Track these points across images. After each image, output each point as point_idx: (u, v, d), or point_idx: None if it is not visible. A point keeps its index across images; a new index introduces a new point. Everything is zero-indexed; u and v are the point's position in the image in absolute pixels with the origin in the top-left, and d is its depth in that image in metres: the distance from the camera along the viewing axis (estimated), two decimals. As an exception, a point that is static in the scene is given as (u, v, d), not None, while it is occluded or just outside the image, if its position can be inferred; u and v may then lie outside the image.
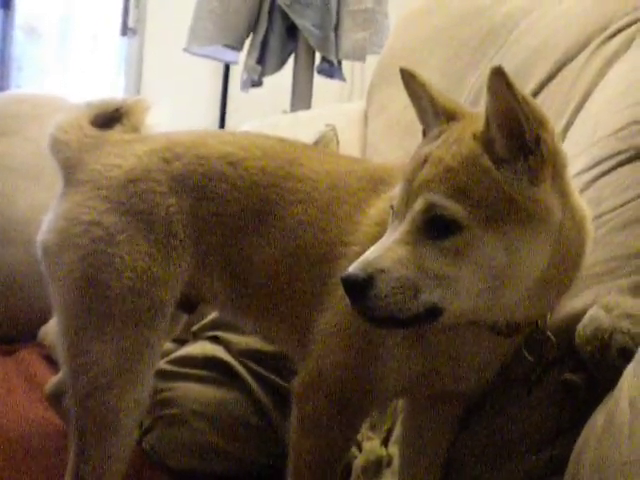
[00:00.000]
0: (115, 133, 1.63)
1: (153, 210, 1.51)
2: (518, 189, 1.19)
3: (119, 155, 1.56)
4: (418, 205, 1.20)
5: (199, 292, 1.59)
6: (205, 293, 1.59)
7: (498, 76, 1.17)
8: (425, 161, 1.24)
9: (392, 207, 1.27)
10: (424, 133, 1.36)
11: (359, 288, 1.17)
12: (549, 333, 1.33)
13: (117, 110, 1.66)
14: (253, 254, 1.52)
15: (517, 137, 1.20)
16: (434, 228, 1.19)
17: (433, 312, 1.19)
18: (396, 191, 1.27)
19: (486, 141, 1.21)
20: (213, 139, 1.62)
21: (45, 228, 1.56)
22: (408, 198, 1.22)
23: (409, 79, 1.34)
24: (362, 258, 1.19)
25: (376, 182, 1.51)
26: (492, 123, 1.21)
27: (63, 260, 1.50)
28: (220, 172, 1.54)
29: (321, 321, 1.44)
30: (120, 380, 1.46)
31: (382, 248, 1.20)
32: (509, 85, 1.16)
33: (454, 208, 1.18)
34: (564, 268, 1.27)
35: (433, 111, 1.32)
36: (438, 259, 1.18)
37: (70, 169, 1.58)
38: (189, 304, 1.63)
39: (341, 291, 1.37)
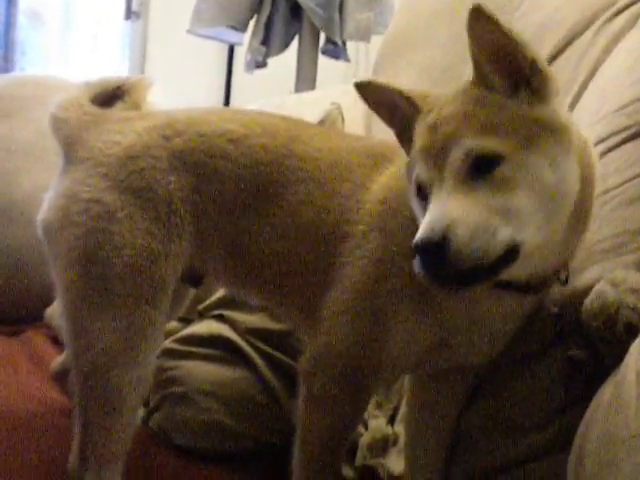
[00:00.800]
0: (115, 111, 1.63)
1: (153, 187, 1.50)
2: (536, 109, 1.21)
3: (119, 132, 1.55)
4: (454, 157, 1.19)
5: (202, 268, 1.59)
6: (208, 269, 1.59)
7: (479, 14, 1.17)
8: (434, 127, 1.23)
9: (419, 187, 1.25)
10: (399, 136, 1.37)
11: (437, 249, 1.13)
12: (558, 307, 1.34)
13: (118, 88, 1.65)
14: (255, 232, 1.51)
15: (511, 69, 1.21)
16: (479, 170, 1.17)
17: (511, 252, 1.16)
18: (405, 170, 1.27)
19: (485, 85, 1.23)
20: (214, 116, 1.61)
21: (45, 207, 1.55)
22: (436, 161, 1.21)
23: (366, 87, 1.35)
24: (426, 222, 1.16)
25: (377, 158, 1.50)
26: (483, 66, 1.23)
27: (63, 238, 1.49)
28: (221, 149, 1.53)
29: (328, 299, 1.43)
30: (122, 358, 1.46)
31: (440, 206, 1.17)
32: (493, 20, 1.17)
33: (490, 143, 1.18)
34: (588, 193, 1.27)
35: (407, 100, 1.32)
36: (495, 195, 1.16)
37: (70, 147, 1.57)
38: (194, 278, 1.63)
39: (349, 270, 1.38)
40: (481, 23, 1.18)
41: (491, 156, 1.17)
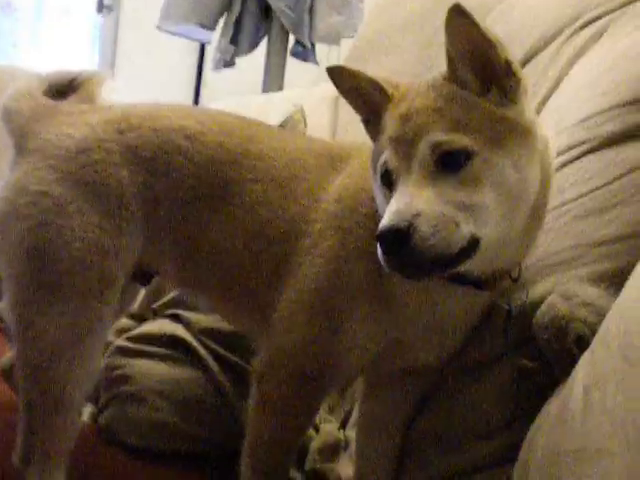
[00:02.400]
0: (69, 103, 1.60)
1: (104, 181, 1.48)
2: (506, 109, 1.23)
3: (71, 125, 1.52)
4: (423, 149, 1.21)
5: (152, 265, 1.57)
6: (158, 266, 1.57)
7: (458, 13, 1.19)
8: (405, 118, 1.24)
9: (385, 174, 1.26)
10: (365, 122, 1.38)
11: (401, 237, 1.14)
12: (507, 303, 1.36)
13: (72, 81, 1.62)
14: (208, 231, 1.50)
15: (484, 68, 1.23)
16: (446, 165, 1.20)
17: (471, 246, 1.19)
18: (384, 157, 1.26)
19: (458, 82, 1.24)
20: (170, 112, 1.59)
21: None
22: (405, 151, 1.22)
23: (339, 73, 1.35)
24: (391, 210, 1.17)
25: (334, 159, 1.50)
26: (458, 63, 1.24)
27: (11, 231, 1.47)
28: (176, 145, 1.52)
29: (283, 299, 1.43)
30: (68, 353, 1.44)
31: (406, 196, 1.18)
32: (471, 19, 1.19)
33: (459, 139, 1.20)
34: (545, 194, 1.30)
35: (376, 88, 1.33)
36: (460, 191, 1.19)
37: (21, 138, 1.54)
38: (143, 276, 1.61)
39: (304, 269, 1.37)
40: (459, 21, 1.19)
41: (459, 152, 1.19)
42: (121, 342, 1.86)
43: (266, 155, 1.52)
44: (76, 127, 1.52)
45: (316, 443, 1.73)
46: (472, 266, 1.24)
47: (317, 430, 1.77)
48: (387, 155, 1.25)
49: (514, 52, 1.95)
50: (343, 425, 1.81)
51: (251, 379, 1.48)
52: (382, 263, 1.19)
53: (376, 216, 1.32)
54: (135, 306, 1.95)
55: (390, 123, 1.27)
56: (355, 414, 1.72)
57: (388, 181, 1.25)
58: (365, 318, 1.37)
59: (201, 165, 1.51)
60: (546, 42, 1.97)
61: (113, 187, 1.48)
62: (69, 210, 1.45)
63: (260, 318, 1.48)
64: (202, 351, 1.80)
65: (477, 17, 2.05)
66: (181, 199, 1.51)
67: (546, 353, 1.30)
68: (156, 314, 1.96)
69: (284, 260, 1.44)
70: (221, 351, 1.81)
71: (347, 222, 1.40)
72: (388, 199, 1.24)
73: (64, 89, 1.62)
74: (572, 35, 1.90)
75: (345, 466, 1.68)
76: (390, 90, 1.31)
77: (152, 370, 1.79)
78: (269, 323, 1.44)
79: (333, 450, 1.73)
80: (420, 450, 1.49)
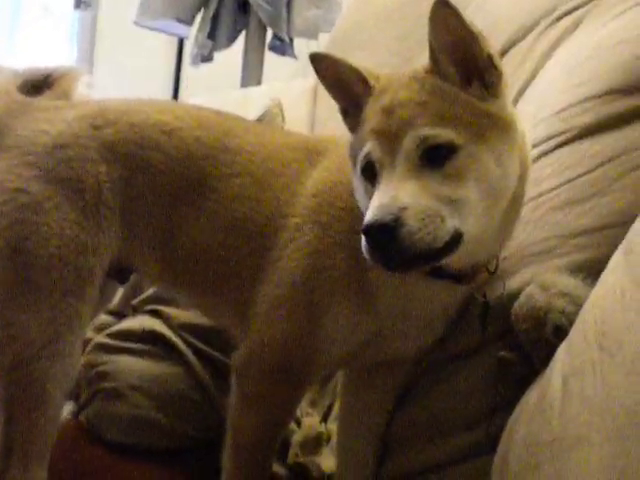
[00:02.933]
0: (44, 100, 1.58)
1: (82, 177, 1.47)
2: (488, 103, 1.24)
3: (47, 121, 1.51)
4: (408, 143, 1.20)
5: (130, 262, 1.56)
6: (136, 263, 1.56)
7: (443, 4, 1.19)
8: (388, 111, 1.24)
9: (367, 166, 1.25)
10: (344, 112, 1.37)
11: (388, 231, 1.14)
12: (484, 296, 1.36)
13: (47, 77, 1.61)
14: (187, 226, 1.50)
15: (466, 62, 1.24)
16: (431, 159, 1.20)
17: (455, 238, 1.19)
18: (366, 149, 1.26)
19: (440, 75, 1.25)
20: (146, 107, 1.58)
21: None
22: (389, 145, 1.22)
23: (322, 61, 1.34)
24: (376, 205, 1.16)
25: (311, 153, 1.50)
26: (440, 56, 1.24)
27: None
28: (154, 140, 1.51)
29: (262, 294, 1.43)
30: (47, 351, 1.43)
31: (391, 190, 1.18)
32: (455, 11, 1.19)
33: (444, 133, 1.20)
34: (522, 187, 1.31)
35: (358, 78, 1.32)
36: (445, 185, 1.19)
37: None
38: (121, 274, 1.60)
39: (283, 263, 1.38)
40: (443, 13, 1.20)
41: (445, 146, 1.20)
42: (101, 339, 1.85)
43: (243, 150, 1.51)
44: (52, 123, 1.51)
45: (298, 437, 1.73)
46: (451, 260, 1.24)
47: (299, 424, 1.77)
48: (370, 148, 1.25)
49: (492, 44, 1.97)
50: (325, 418, 1.81)
51: (231, 374, 1.48)
52: (366, 256, 1.18)
53: (354, 209, 1.32)
54: (115, 303, 1.94)
55: (372, 115, 1.27)
56: (337, 407, 1.72)
57: (370, 174, 1.25)
58: (344, 311, 1.37)
59: (179, 160, 1.51)
60: (523, 34, 1.97)
61: (90, 183, 1.47)
62: (46, 207, 1.44)
63: (240, 313, 1.47)
64: (182, 346, 1.80)
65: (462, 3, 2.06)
66: (159, 195, 1.50)
67: (525, 344, 1.30)
68: (136, 310, 1.96)
69: (263, 255, 1.44)
70: (201, 346, 1.81)
71: (325, 216, 1.40)
72: (369, 192, 1.24)
73: (39, 85, 1.60)
74: (548, 27, 1.90)
75: (327, 459, 1.68)
76: (372, 81, 1.31)
77: (132, 366, 1.78)
78: (249, 318, 1.44)
79: (315, 443, 1.73)
80: (401, 442, 1.49)
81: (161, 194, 1.50)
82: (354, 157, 1.30)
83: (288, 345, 1.41)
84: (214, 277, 1.51)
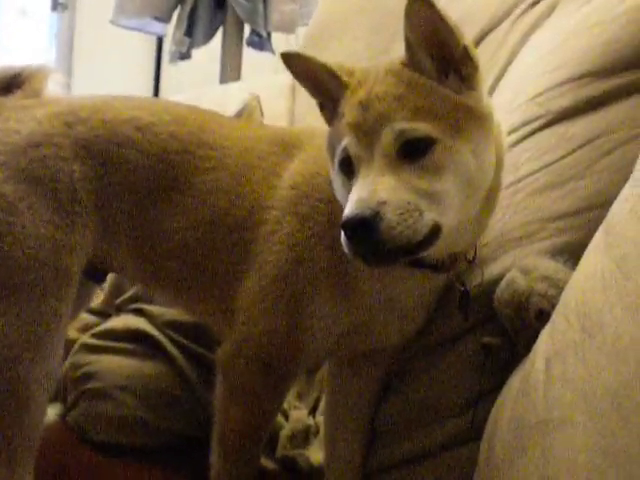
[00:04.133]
0: (14, 98, 1.56)
1: (55, 176, 1.46)
2: (464, 96, 1.24)
3: (18, 120, 1.49)
4: (386, 137, 1.20)
5: (106, 261, 1.55)
6: (112, 262, 1.55)
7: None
8: (365, 105, 1.24)
9: (344, 160, 1.25)
10: (321, 107, 1.38)
11: (367, 226, 1.14)
12: (463, 285, 1.37)
13: (16, 77, 1.58)
14: (164, 223, 1.49)
15: (442, 54, 1.24)
16: (408, 153, 1.19)
17: (434, 231, 1.19)
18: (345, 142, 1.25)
19: (416, 68, 1.25)
20: (119, 103, 1.57)
21: None
22: (366, 139, 1.22)
23: (294, 59, 1.34)
24: (355, 200, 1.16)
25: (287, 146, 1.50)
26: (416, 49, 1.24)
27: None
28: (127, 137, 1.50)
29: (244, 288, 1.42)
30: (29, 353, 1.42)
31: (369, 184, 1.18)
32: (430, 4, 1.19)
33: (422, 127, 1.19)
34: (499, 177, 1.32)
35: (331, 75, 1.32)
36: (423, 178, 1.18)
37: None
38: (96, 273, 1.59)
39: (264, 256, 1.37)
40: (418, 6, 1.19)
41: (422, 140, 1.19)
42: (86, 339, 1.84)
43: (219, 144, 1.50)
44: (23, 122, 1.49)
45: (286, 430, 1.73)
46: (431, 251, 1.24)
47: (287, 417, 1.77)
48: (347, 142, 1.24)
49: (468, 32, 1.97)
50: (313, 411, 1.81)
51: (216, 369, 1.47)
52: (346, 250, 1.18)
53: (332, 201, 1.32)
54: (99, 302, 1.93)
55: (348, 109, 1.26)
56: (324, 400, 1.72)
57: (347, 168, 1.25)
58: (327, 302, 1.37)
59: (154, 156, 1.49)
60: (498, 20, 1.98)
61: (64, 182, 1.46)
62: (20, 208, 1.43)
63: (222, 309, 1.47)
64: (167, 344, 1.79)
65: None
66: (135, 192, 1.49)
67: (508, 329, 1.31)
68: (120, 309, 1.95)
69: (243, 249, 1.44)
70: (186, 343, 1.80)
71: (303, 208, 1.40)
72: (347, 186, 1.24)
73: (8, 85, 1.58)
74: (524, 12, 1.91)
75: (316, 451, 1.68)
76: (344, 77, 1.30)
77: (118, 366, 1.77)
78: (232, 313, 1.44)
79: (304, 437, 1.73)
80: (388, 431, 1.49)
81: (136, 191, 1.49)
82: (332, 150, 1.29)
83: (272, 338, 1.41)
84: (195, 273, 1.50)
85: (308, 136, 1.46)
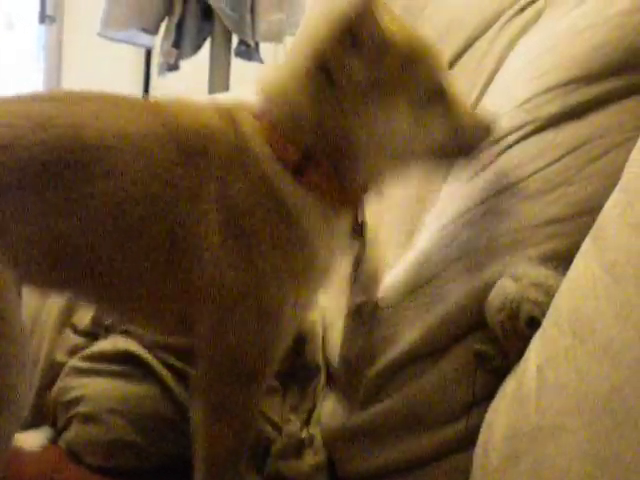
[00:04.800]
0: None
1: None
2: None
3: None
4: None
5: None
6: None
7: None
8: None
9: None
10: None
11: None
12: None
13: None
14: (71, 241, 1.32)
15: None
16: None
17: None
18: None
19: None
20: None
21: None
22: None
23: None
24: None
25: (189, 155, 1.33)
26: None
27: None
28: None
29: (204, 306, 1.37)
30: None
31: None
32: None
33: None
34: None
35: None
36: None
37: None
38: None
39: (211, 267, 1.34)
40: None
41: None
42: (75, 362, 1.81)
43: (103, 146, 1.30)
44: None
45: (278, 444, 1.71)
46: None
47: (280, 430, 1.75)
48: None
49: (453, 43, 1.97)
50: (306, 423, 1.80)
51: (195, 393, 1.46)
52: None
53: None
54: (86, 323, 1.90)
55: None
56: (318, 411, 1.72)
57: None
58: (288, 282, 1.36)
59: (26, 175, 1.26)
60: (485, 28, 1.98)
61: None
62: None
63: (180, 325, 1.44)
64: (155, 364, 1.76)
65: (416, 10, 2.07)
66: (22, 214, 1.28)
67: (500, 336, 1.30)
68: (108, 330, 1.92)
69: (176, 256, 1.34)
70: (175, 362, 1.77)
71: (231, 191, 1.33)
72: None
73: None
74: (510, 19, 1.90)
75: (309, 459, 1.66)
76: None
77: (107, 389, 1.74)
78: (194, 330, 1.41)
79: (296, 450, 1.71)
80: (378, 439, 1.49)
81: (25, 212, 1.28)
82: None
83: (249, 345, 1.39)
84: (127, 290, 1.40)
85: (209, 137, 1.35)
